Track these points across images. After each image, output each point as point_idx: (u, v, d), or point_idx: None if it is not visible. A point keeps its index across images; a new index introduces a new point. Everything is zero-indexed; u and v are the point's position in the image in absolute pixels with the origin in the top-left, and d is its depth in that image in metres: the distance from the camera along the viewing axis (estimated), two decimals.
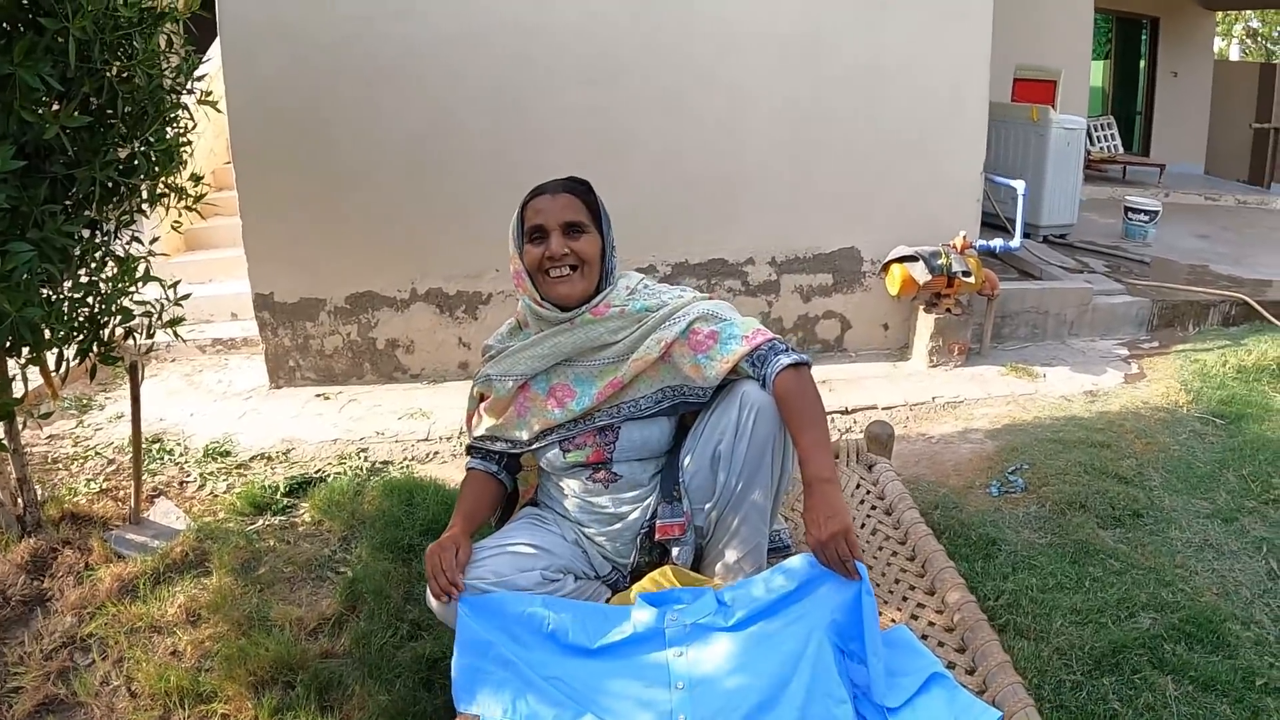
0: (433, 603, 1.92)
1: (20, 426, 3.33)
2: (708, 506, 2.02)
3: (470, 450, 2.26)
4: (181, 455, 4.17)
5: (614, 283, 2.13)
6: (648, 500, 2.10)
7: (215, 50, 4.81)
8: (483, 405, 2.23)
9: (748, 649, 1.76)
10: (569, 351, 2.07)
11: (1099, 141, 11.57)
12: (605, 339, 2.06)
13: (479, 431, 2.22)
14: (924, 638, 1.87)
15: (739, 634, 1.80)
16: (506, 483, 2.25)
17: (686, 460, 2.05)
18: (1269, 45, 19.87)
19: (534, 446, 2.14)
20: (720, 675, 1.72)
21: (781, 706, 1.64)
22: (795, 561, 1.87)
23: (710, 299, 2.13)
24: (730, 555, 2.01)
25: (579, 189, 2.09)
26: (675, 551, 2.04)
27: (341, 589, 3.00)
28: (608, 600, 2.04)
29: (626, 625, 1.84)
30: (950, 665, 1.79)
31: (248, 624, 2.81)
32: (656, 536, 2.04)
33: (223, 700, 2.49)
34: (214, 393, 5.01)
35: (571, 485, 2.15)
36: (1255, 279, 6.50)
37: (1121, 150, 11.83)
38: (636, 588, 1.95)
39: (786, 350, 1.98)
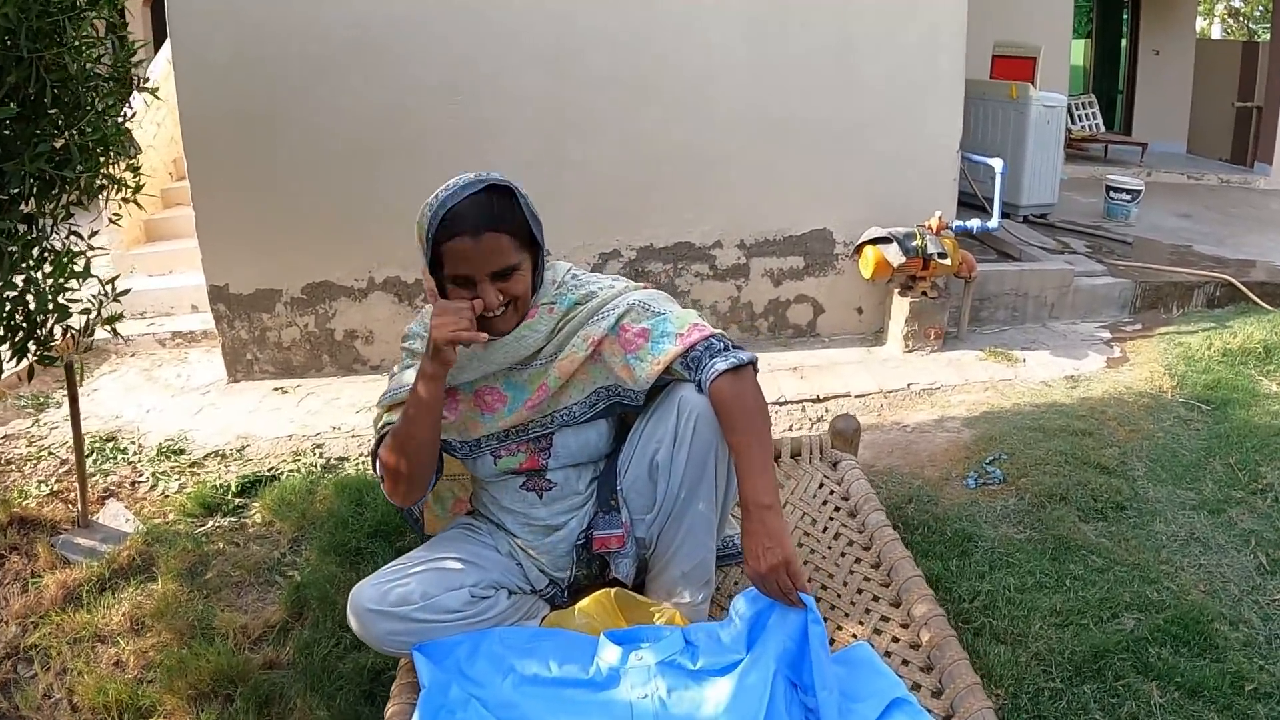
0: (373, 634, 1.78)
1: None
2: (649, 518, 1.88)
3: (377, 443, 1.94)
4: (135, 454, 4.10)
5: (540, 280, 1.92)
6: (583, 509, 1.95)
7: None
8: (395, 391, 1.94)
9: (714, 695, 1.63)
10: (500, 365, 1.86)
11: (1080, 120, 11.50)
12: (536, 344, 1.85)
13: (393, 411, 1.91)
14: (887, 655, 1.73)
15: (705, 679, 1.67)
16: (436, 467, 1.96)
17: (624, 468, 1.90)
18: (1250, 24, 19.80)
19: (460, 455, 1.95)
20: None
21: None
22: (745, 599, 1.75)
23: (645, 289, 1.94)
24: (675, 569, 1.87)
25: (502, 217, 1.75)
26: (615, 565, 1.90)
27: (287, 594, 2.93)
28: (544, 618, 1.90)
29: (591, 666, 1.71)
30: (915, 687, 1.65)
31: (191, 633, 2.76)
32: (594, 548, 1.90)
33: (162, 715, 2.46)
34: (172, 388, 4.93)
35: (504, 495, 1.98)
36: (1239, 259, 6.39)
37: (1103, 129, 11.77)
38: (579, 607, 1.82)
39: (725, 350, 1.80)
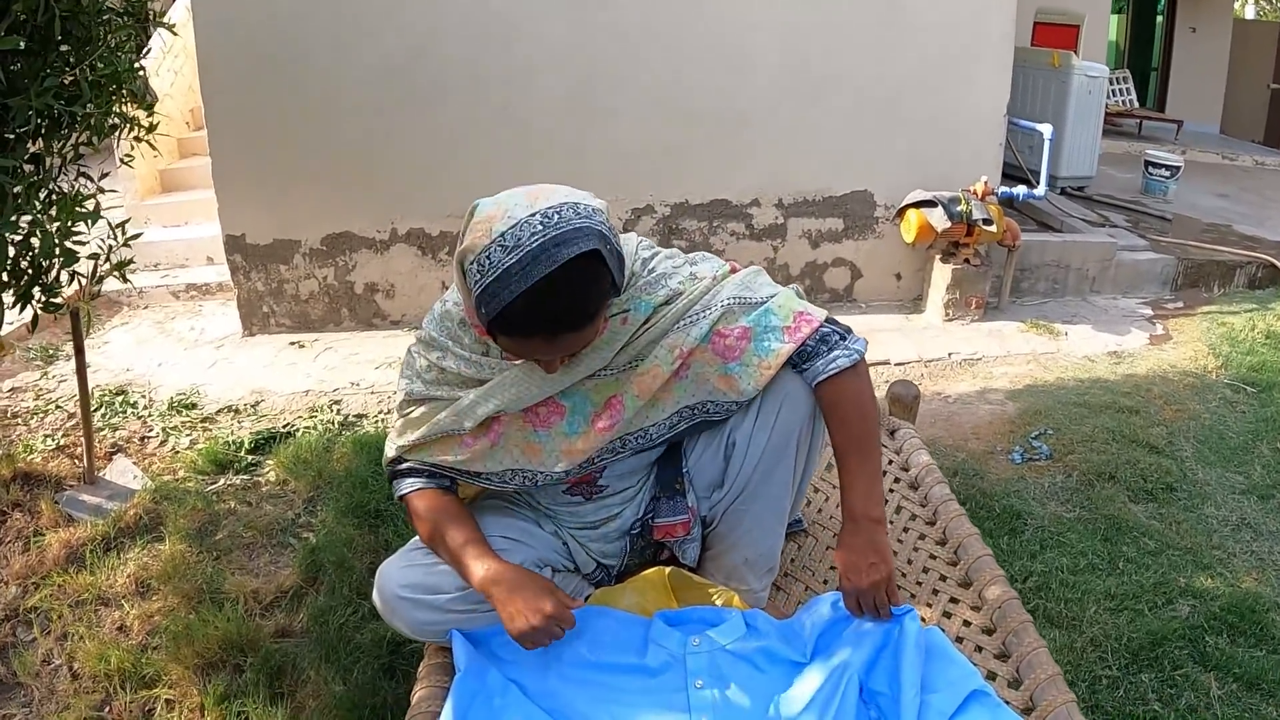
0: (403, 621, 1.60)
1: None
2: (716, 495, 1.69)
3: (404, 469, 1.68)
4: (145, 408, 4.01)
5: None
6: (639, 497, 1.74)
7: None
8: (423, 410, 1.63)
9: (782, 688, 1.51)
10: (563, 385, 1.55)
11: (1115, 95, 11.30)
12: (604, 361, 1.54)
13: (412, 441, 1.63)
14: (959, 641, 1.60)
15: (771, 668, 1.55)
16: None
17: (692, 445, 1.70)
18: None
19: (510, 485, 1.66)
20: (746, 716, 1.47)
21: None
22: (826, 601, 1.62)
23: (734, 271, 1.65)
24: (738, 554, 1.70)
25: (588, 315, 1.38)
26: (680, 551, 1.73)
27: (302, 558, 2.83)
28: (588, 598, 1.70)
29: (644, 651, 1.57)
30: (990, 676, 1.51)
31: (199, 597, 2.66)
32: (655, 536, 1.71)
33: (166, 684, 2.36)
34: (185, 340, 4.84)
35: (545, 497, 1.76)
36: (1279, 240, 6.28)
37: (1137, 105, 11.57)
38: (630, 584, 1.67)
39: (842, 339, 1.58)
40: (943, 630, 1.59)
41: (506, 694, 1.48)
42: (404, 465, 1.66)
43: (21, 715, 2.36)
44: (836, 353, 1.55)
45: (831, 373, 1.54)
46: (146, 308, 5.32)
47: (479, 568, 1.52)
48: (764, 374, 1.54)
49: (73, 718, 2.28)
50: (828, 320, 1.58)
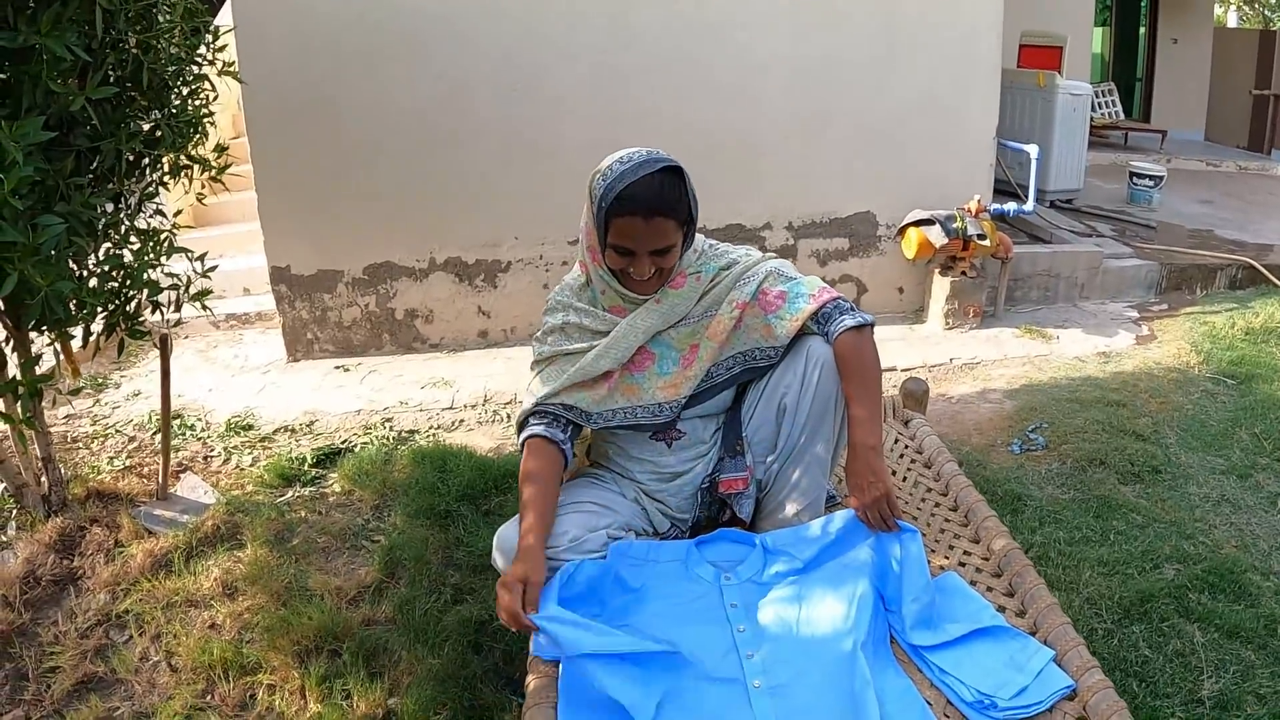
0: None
1: (46, 405, 3.26)
2: (770, 459, 2.05)
3: (533, 414, 2.03)
4: (203, 430, 4.13)
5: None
6: (709, 454, 2.12)
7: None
8: (552, 369, 2.06)
9: (805, 602, 1.83)
10: (658, 329, 2.02)
11: (1100, 108, 11.52)
12: (686, 310, 2.02)
13: (548, 391, 2.02)
14: (973, 583, 1.92)
15: (794, 585, 1.87)
16: (568, 453, 2.02)
17: (750, 413, 2.08)
18: (1266, 12, 19.75)
19: (613, 424, 2.06)
20: (785, 635, 1.78)
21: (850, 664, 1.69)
22: (841, 516, 1.95)
23: (776, 257, 2.12)
24: (790, 508, 2.05)
25: (671, 203, 1.86)
26: (738, 506, 2.07)
27: (380, 556, 2.98)
28: None
29: (687, 579, 1.91)
30: (1000, 609, 1.83)
31: (286, 594, 2.79)
32: (720, 490, 2.07)
33: (268, 670, 2.47)
34: (230, 368, 4.96)
35: (633, 445, 2.13)
36: (1259, 244, 6.50)
37: (1122, 117, 11.80)
38: None
39: (851, 310, 1.99)
40: (958, 575, 1.92)
41: (580, 626, 1.70)
42: (534, 409, 2.02)
43: (126, 708, 2.42)
44: (846, 317, 1.96)
45: (842, 330, 1.94)
46: (187, 338, 5.41)
47: (524, 536, 1.83)
48: (793, 325, 1.97)
49: (178, 706, 2.36)
50: (845, 298, 2.02)
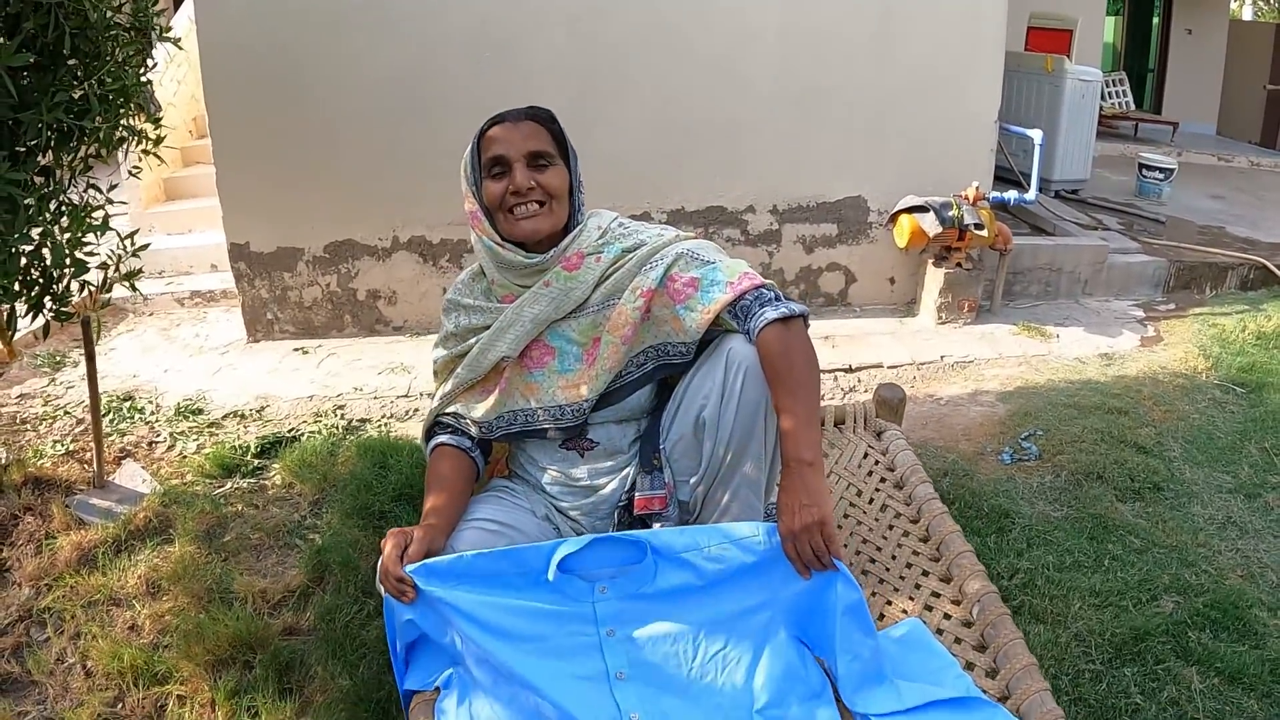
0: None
1: None
2: (693, 480, 1.81)
3: (436, 425, 1.98)
4: (153, 414, 4.05)
5: (583, 222, 1.89)
6: (626, 470, 1.89)
7: None
8: (450, 376, 1.96)
9: (701, 645, 1.57)
10: (550, 317, 1.84)
11: (1110, 98, 11.37)
12: (583, 295, 1.83)
13: (443, 397, 1.94)
14: (939, 633, 1.67)
15: (691, 613, 1.59)
16: (479, 462, 1.95)
17: (670, 423, 1.84)
18: None
19: (512, 430, 1.91)
20: (672, 687, 1.52)
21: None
22: (751, 530, 1.62)
23: (694, 238, 1.90)
24: None
25: (542, 115, 1.86)
26: (657, 527, 1.82)
27: (308, 559, 2.88)
28: None
29: (553, 598, 1.60)
30: (968, 666, 1.59)
31: (208, 597, 2.72)
32: (635, 510, 1.83)
33: (178, 680, 2.39)
34: (190, 347, 4.90)
35: (542, 455, 1.94)
36: (1272, 243, 6.32)
37: (1133, 107, 11.63)
38: None
39: (775, 300, 1.74)
40: (924, 623, 1.66)
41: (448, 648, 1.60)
42: (436, 424, 1.95)
43: (37, 713, 2.37)
44: (769, 309, 1.69)
45: (762, 325, 1.68)
46: (151, 315, 5.38)
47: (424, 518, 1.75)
48: (704, 318, 1.75)
49: (87, 714, 2.30)
50: (771, 286, 1.76)
